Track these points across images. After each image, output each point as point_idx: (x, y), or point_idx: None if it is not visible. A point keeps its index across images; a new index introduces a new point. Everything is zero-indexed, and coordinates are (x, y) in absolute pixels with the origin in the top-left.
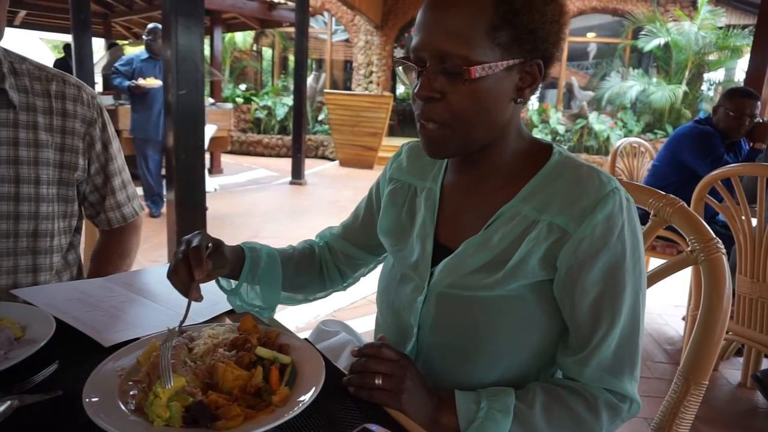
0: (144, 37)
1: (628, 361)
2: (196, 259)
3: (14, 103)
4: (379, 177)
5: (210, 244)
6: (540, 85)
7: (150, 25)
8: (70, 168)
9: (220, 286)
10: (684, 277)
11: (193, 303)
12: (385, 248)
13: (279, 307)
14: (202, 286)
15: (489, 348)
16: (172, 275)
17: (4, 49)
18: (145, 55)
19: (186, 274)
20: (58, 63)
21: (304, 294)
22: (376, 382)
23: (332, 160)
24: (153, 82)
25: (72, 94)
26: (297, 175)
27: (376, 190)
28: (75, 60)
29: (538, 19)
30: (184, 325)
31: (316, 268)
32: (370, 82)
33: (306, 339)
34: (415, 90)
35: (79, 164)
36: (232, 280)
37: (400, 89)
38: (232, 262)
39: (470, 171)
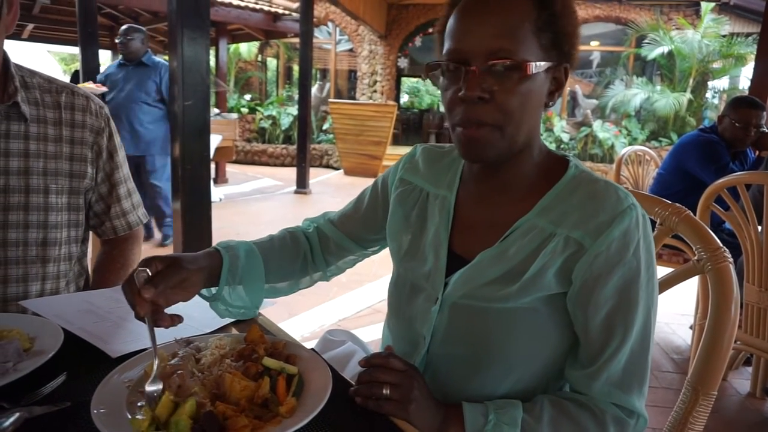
0: (116, 40)
1: (638, 376)
2: (131, 295)
3: (26, 116)
4: (389, 172)
5: (148, 270)
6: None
7: (123, 26)
8: (79, 177)
9: (201, 295)
10: (691, 286)
11: (197, 314)
12: (377, 243)
13: (284, 317)
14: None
15: (500, 360)
16: (138, 317)
17: (15, 64)
18: (121, 61)
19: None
20: (77, 74)
21: (288, 284)
22: (384, 392)
23: (337, 169)
24: (91, 87)
25: (81, 105)
26: (302, 184)
27: (383, 186)
28: (82, 72)
29: (572, 22)
30: (191, 336)
31: (299, 256)
32: (374, 91)
33: (312, 349)
34: (461, 93)
35: (87, 173)
36: (213, 288)
37: (404, 98)
38: (207, 267)
39: (488, 181)
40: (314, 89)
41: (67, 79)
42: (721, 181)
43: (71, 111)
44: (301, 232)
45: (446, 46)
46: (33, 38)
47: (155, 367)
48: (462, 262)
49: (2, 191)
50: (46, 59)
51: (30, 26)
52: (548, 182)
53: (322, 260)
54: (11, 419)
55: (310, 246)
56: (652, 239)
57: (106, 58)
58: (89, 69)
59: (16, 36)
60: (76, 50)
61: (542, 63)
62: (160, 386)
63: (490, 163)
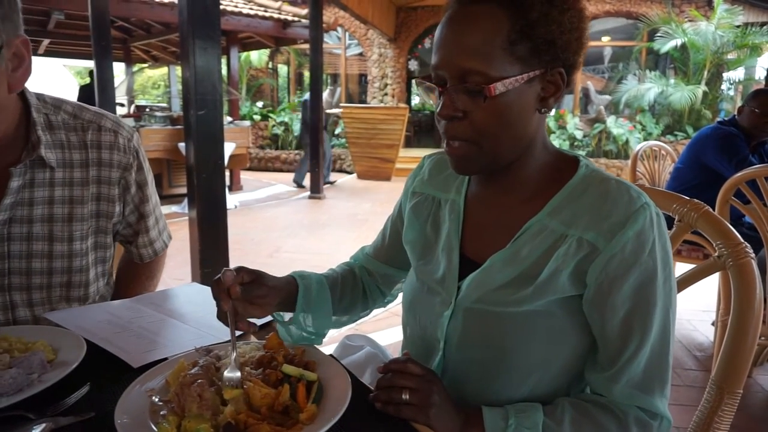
0: None
1: (659, 377)
2: (217, 291)
3: (51, 165)
4: (401, 195)
5: (240, 274)
6: (564, 93)
7: None
8: (106, 216)
9: (276, 318)
10: (712, 281)
11: (216, 323)
12: None
13: None
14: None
15: (517, 364)
16: (220, 316)
17: (39, 99)
18: None
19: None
20: (84, 89)
21: (349, 316)
22: (403, 397)
23: (350, 173)
24: None
25: (108, 142)
26: (315, 189)
27: (399, 211)
28: (97, 85)
29: (556, 29)
30: (211, 344)
31: (359, 289)
32: (385, 94)
33: (331, 355)
34: (438, 110)
35: (115, 212)
36: (285, 314)
37: (416, 100)
38: (285, 290)
39: (495, 183)
40: (325, 94)
41: (74, 97)
42: (740, 174)
43: (98, 150)
44: (355, 267)
45: (431, 59)
46: (49, 53)
47: (233, 358)
48: (475, 266)
49: (25, 239)
50: (62, 73)
51: (45, 42)
52: (558, 182)
53: (377, 292)
54: (38, 430)
55: (362, 282)
56: (667, 237)
57: (119, 70)
58: (103, 80)
59: (33, 51)
60: (91, 63)
61: (521, 76)
62: (237, 374)
63: (487, 172)
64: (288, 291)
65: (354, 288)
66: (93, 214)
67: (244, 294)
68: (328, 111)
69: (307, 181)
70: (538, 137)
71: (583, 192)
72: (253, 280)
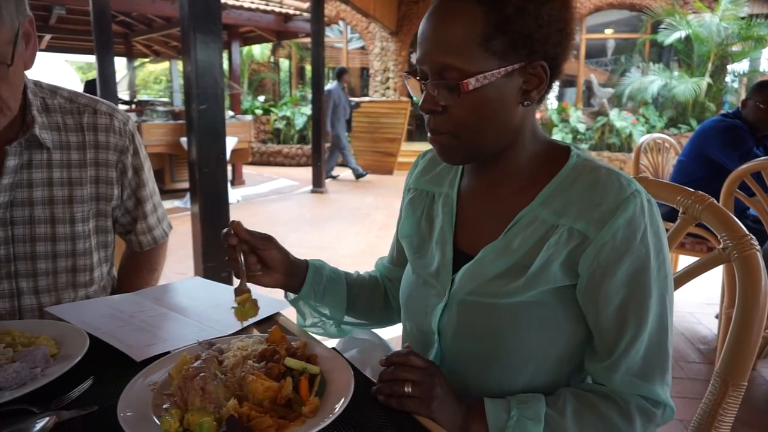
0: None
1: (658, 365)
2: (228, 229)
3: (47, 145)
4: (403, 195)
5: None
6: (548, 85)
7: None
8: (105, 199)
9: (287, 297)
10: (715, 274)
11: (218, 317)
12: None
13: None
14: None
15: (513, 354)
16: (230, 262)
17: (36, 85)
18: None
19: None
20: (90, 84)
21: (372, 322)
22: (406, 389)
23: None
24: None
25: (104, 125)
26: (318, 183)
27: (401, 210)
28: (99, 80)
29: (532, 23)
30: (214, 338)
31: (380, 293)
32: (387, 88)
33: (334, 348)
34: (419, 104)
35: (113, 194)
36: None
37: None
38: (294, 261)
39: (486, 175)
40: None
41: (80, 89)
42: (745, 166)
43: (94, 132)
44: (378, 275)
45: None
46: (51, 48)
47: (242, 281)
48: (468, 259)
49: (28, 222)
50: (64, 69)
51: (47, 37)
52: (549, 172)
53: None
54: (41, 423)
55: (385, 289)
56: (660, 225)
57: (121, 65)
58: (105, 75)
59: None
60: (92, 59)
61: (497, 71)
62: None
63: (474, 161)
64: (298, 265)
65: (374, 290)
66: (93, 197)
67: (253, 242)
68: (354, 99)
69: (307, 175)
70: (525, 128)
71: (574, 181)
72: (263, 236)
